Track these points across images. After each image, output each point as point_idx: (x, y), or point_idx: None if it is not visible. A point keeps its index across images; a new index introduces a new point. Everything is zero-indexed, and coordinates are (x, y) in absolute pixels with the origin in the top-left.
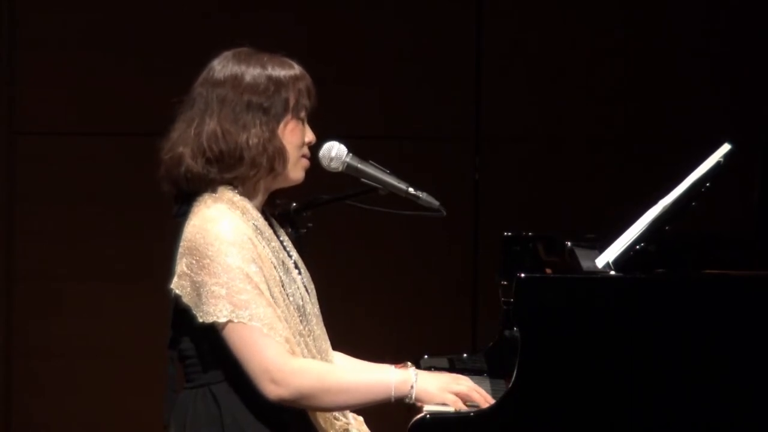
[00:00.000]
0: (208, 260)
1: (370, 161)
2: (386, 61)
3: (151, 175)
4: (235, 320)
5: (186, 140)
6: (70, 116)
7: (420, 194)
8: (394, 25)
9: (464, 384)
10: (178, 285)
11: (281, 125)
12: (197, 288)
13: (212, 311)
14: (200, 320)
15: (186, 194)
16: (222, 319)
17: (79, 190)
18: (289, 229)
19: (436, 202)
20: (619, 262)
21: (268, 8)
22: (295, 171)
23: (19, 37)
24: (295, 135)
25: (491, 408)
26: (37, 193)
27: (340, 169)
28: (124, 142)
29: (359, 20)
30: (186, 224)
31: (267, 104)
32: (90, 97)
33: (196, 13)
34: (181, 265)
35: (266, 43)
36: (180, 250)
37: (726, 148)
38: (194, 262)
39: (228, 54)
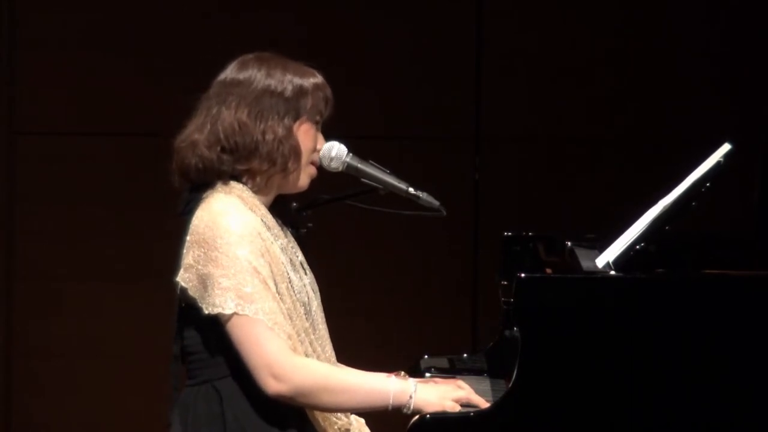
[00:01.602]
0: (217, 252)
1: (370, 161)
2: (386, 61)
3: (152, 175)
4: (240, 312)
5: (202, 129)
6: (70, 116)
7: (420, 194)
8: (394, 25)
9: (464, 390)
10: (184, 278)
11: (296, 124)
12: (203, 280)
13: (218, 303)
14: (205, 312)
15: (194, 188)
16: (227, 311)
17: (79, 190)
18: (290, 229)
19: (436, 202)
20: (619, 262)
21: (268, 8)
22: (303, 176)
23: (19, 37)
24: (308, 138)
25: (491, 408)
26: (37, 193)
27: (341, 168)
28: (124, 142)
29: (359, 20)
30: (193, 218)
31: (285, 105)
32: (90, 97)
33: (196, 13)
34: (188, 258)
35: (266, 43)
36: (187, 243)
37: (726, 148)
38: (202, 254)
39: (249, 56)
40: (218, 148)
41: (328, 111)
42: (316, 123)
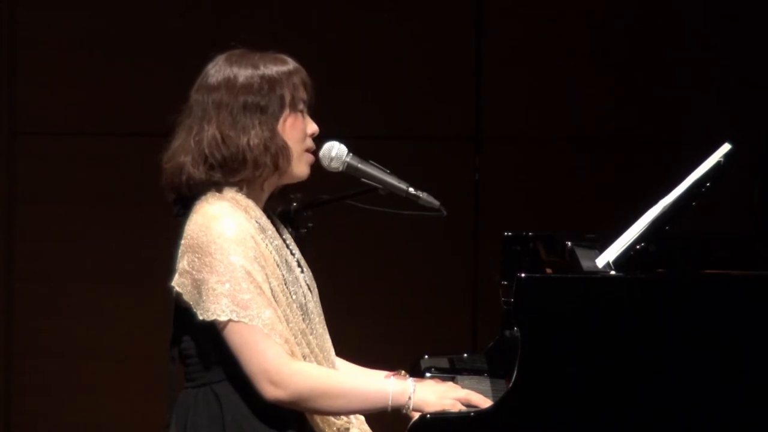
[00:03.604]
0: (211, 258)
1: (371, 161)
2: (386, 61)
3: (152, 175)
4: (236, 319)
5: (186, 149)
6: (70, 116)
7: (420, 194)
8: (394, 25)
9: (463, 390)
10: (179, 283)
11: (280, 122)
12: (198, 286)
13: (213, 309)
14: (201, 318)
15: (188, 197)
16: (223, 318)
17: (79, 190)
18: (289, 229)
19: (436, 202)
20: (619, 262)
21: (268, 9)
22: (300, 166)
23: (19, 37)
24: (296, 129)
25: (492, 407)
26: (37, 193)
27: (341, 168)
28: (124, 142)
29: (359, 21)
30: (188, 222)
31: (263, 103)
32: (90, 97)
33: (197, 13)
34: (183, 263)
35: (266, 44)
36: (181, 247)
37: (726, 148)
38: (196, 259)
39: (220, 58)
40: (206, 166)
41: (309, 94)
42: (301, 111)
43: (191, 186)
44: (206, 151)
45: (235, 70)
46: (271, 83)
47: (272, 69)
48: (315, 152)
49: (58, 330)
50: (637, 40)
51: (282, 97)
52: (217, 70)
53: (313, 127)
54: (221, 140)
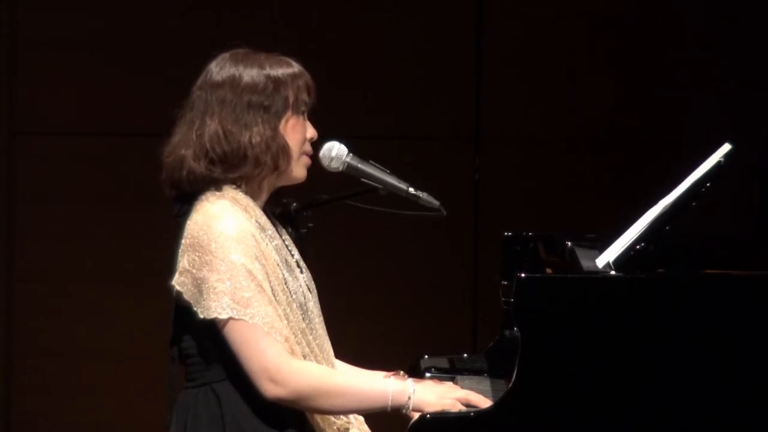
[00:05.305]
0: (211, 256)
1: (371, 161)
2: (386, 61)
3: (152, 175)
4: (237, 317)
5: (187, 143)
6: (70, 116)
7: (420, 194)
8: (394, 25)
9: (462, 390)
10: (179, 282)
11: (282, 122)
12: (199, 284)
13: (213, 307)
14: (201, 316)
15: (187, 195)
16: (223, 316)
17: (79, 190)
18: (290, 229)
19: (436, 202)
20: (620, 262)
21: (268, 9)
22: (298, 168)
23: (19, 37)
24: (296, 131)
25: (491, 408)
26: (37, 193)
27: (341, 168)
28: (123, 142)
29: (359, 21)
30: (188, 221)
31: (267, 103)
32: (90, 97)
33: (197, 13)
34: (183, 262)
35: (267, 43)
36: (182, 246)
37: (726, 148)
38: (196, 258)
39: (225, 56)
40: (206, 160)
41: (312, 98)
42: (302, 113)
43: (191, 181)
44: (207, 145)
45: (241, 69)
46: (276, 84)
47: (278, 70)
48: (314, 155)
49: (58, 330)
50: (637, 40)
51: (286, 99)
52: (222, 67)
53: (312, 132)
54: (223, 135)
